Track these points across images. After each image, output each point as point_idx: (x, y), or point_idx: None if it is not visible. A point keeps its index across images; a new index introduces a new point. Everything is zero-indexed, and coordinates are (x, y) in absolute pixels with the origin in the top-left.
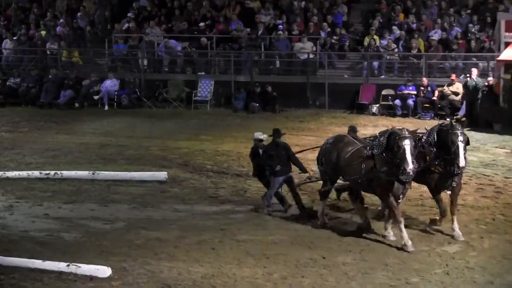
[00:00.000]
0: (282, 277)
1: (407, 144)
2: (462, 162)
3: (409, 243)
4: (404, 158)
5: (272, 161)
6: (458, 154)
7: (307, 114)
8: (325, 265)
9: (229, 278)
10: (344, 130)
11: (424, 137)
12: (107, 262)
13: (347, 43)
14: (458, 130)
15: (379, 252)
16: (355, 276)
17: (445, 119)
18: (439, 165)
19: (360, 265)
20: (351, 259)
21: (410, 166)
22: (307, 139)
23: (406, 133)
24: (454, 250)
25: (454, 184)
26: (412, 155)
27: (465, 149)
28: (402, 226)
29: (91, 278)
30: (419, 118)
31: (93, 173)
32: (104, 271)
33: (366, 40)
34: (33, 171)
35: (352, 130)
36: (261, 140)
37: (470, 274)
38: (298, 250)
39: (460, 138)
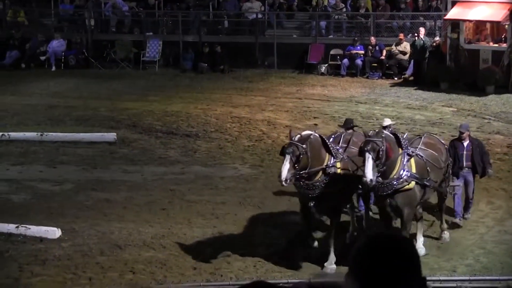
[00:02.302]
0: (232, 236)
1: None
2: (366, 175)
3: None
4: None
5: None
6: (364, 165)
7: (256, 74)
8: (274, 224)
9: (180, 238)
10: (292, 90)
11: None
12: (56, 224)
13: (295, 3)
14: (369, 137)
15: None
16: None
17: (393, 79)
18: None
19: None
20: (299, 218)
21: (281, 176)
22: (256, 99)
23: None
24: None
25: (388, 206)
26: (287, 163)
27: (376, 160)
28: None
29: (41, 239)
30: (367, 77)
31: (41, 135)
32: (54, 232)
33: (314, 0)
34: None
35: (463, 129)
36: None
37: None
38: (248, 210)
39: (367, 147)
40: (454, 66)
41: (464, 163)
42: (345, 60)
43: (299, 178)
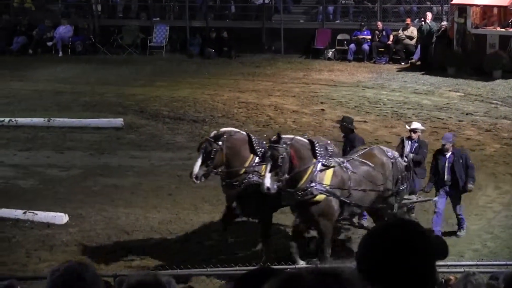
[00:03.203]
0: (238, 222)
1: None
2: (264, 182)
3: None
4: None
5: None
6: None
7: (263, 59)
8: (280, 210)
9: (186, 224)
10: (299, 75)
11: None
12: (64, 209)
13: None
14: (271, 143)
15: None
16: None
17: (400, 63)
18: None
19: None
20: None
21: (192, 172)
22: (263, 84)
23: None
24: None
25: (299, 217)
26: (199, 160)
27: (276, 168)
28: None
29: (48, 225)
30: (374, 62)
31: (49, 120)
32: (61, 218)
33: None
34: None
35: (445, 140)
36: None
37: None
38: None
39: (267, 153)
40: (461, 51)
41: (445, 176)
42: (352, 45)
43: (224, 177)
